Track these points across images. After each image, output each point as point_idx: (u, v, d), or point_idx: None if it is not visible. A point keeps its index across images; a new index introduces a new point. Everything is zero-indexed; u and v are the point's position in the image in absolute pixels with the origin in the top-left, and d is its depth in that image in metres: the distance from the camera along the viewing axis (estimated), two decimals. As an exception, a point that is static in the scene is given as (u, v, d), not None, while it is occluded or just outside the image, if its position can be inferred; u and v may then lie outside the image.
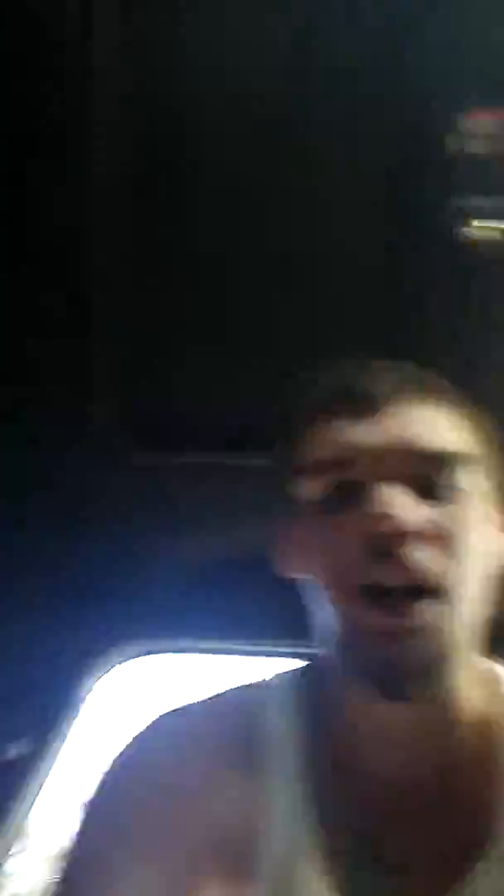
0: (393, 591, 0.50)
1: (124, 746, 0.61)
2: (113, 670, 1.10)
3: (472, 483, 0.55)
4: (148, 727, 0.62)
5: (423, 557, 0.51)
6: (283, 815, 0.56)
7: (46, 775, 0.94)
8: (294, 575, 0.61)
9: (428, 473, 0.54)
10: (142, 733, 0.62)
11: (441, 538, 0.52)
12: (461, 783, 0.57)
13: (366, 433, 0.55)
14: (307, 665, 0.66)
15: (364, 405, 0.56)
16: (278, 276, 1.04)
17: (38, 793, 0.92)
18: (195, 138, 1.02)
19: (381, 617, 0.50)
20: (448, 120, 1.02)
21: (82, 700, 1.02)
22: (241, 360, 1.06)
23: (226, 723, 0.61)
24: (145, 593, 1.12)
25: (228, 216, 1.02)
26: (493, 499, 0.58)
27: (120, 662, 1.12)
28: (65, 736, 0.98)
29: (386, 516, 0.50)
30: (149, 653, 1.15)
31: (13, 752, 0.92)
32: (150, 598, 1.13)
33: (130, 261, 1.03)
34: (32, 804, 0.91)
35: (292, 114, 1.01)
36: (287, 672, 0.66)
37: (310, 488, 0.56)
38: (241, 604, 1.12)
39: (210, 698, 0.65)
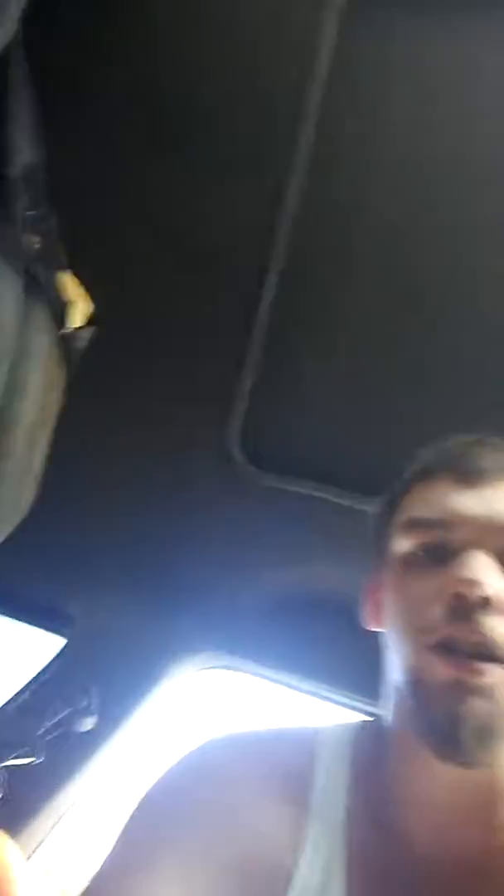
0: (464, 650, 0.53)
1: (176, 763, 0.64)
2: (185, 676, 1.14)
3: None
4: (203, 747, 0.64)
5: (498, 628, 0.53)
6: (317, 859, 0.57)
7: (106, 750, 0.99)
8: (376, 626, 0.63)
9: None
10: (196, 752, 0.64)
11: None
12: (501, 870, 0.56)
13: (467, 501, 0.58)
14: (368, 721, 0.67)
15: (471, 476, 0.59)
16: (429, 332, 1.05)
17: (94, 764, 0.97)
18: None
19: (450, 670, 0.52)
20: None
21: (153, 697, 1.07)
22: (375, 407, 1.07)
23: (281, 758, 0.63)
24: (232, 609, 1.16)
25: (382, 267, 1.05)
26: None
27: (193, 670, 1.16)
28: (130, 726, 1.03)
29: (473, 582, 0.53)
30: (223, 667, 1.19)
31: (85, 725, 0.98)
32: (236, 615, 1.16)
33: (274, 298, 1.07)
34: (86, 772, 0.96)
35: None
36: (349, 723, 0.67)
37: (404, 544, 0.59)
38: (319, 642, 1.13)
39: (270, 731, 0.67)
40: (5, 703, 1.03)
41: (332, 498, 1.06)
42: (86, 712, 0.98)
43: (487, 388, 1.05)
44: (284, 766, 0.62)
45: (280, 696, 1.21)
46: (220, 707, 1.29)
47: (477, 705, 0.51)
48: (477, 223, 1.00)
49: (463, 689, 0.52)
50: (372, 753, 0.62)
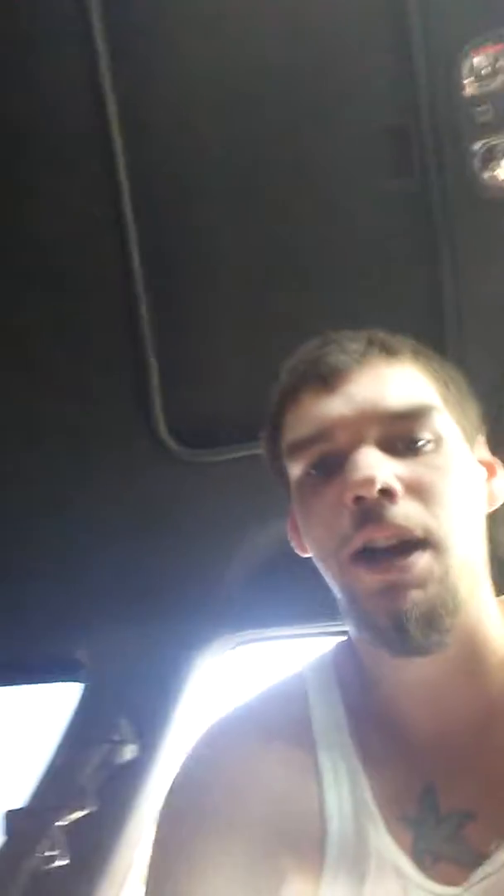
0: (384, 550, 0.53)
1: (186, 759, 0.65)
2: (207, 668, 1.14)
3: (446, 431, 0.57)
4: (206, 735, 0.66)
5: (407, 512, 0.53)
6: (342, 784, 0.58)
7: (155, 772, 0.99)
8: (304, 552, 0.63)
9: (400, 430, 0.56)
10: (201, 742, 0.66)
11: (422, 489, 0.54)
12: (498, 728, 0.57)
13: (335, 404, 0.56)
14: (340, 643, 0.68)
15: (330, 378, 0.57)
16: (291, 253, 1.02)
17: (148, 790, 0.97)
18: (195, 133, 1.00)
19: (377, 576, 0.53)
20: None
21: (183, 702, 1.06)
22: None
23: (277, 711, 0.65)
24: (229, 588, 1.15)
25: (236, 210, 1.01)
26: (470, 442, 0.60)
27: (214, 655, 1.16)
28: (172, 739, 1.02)
29: (365, 480, 0.52)
30: (241, 643, 1.18)
31: (126, 755, 0.97)
32: (235, 592, 1.15)
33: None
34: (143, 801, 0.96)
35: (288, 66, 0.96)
36: (324, 654, 0.68)
37: (295, 468, 0.59)
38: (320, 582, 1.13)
39: (261, 692, 0.68)
40: (47, 766, 1.02)
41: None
42: (124, 743, 0.98)
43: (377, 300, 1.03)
44: (282, 717, 0.63)
45: (306, 647, 1.21)
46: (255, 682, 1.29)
47: (414, 597, 0.52)
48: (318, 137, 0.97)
49: (396, 588, 0.52)
50: (353, 667, 0.63)
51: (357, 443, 0.55)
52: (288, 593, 1.11)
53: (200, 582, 1.12)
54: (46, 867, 0.85)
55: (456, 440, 0.58)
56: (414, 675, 0.57)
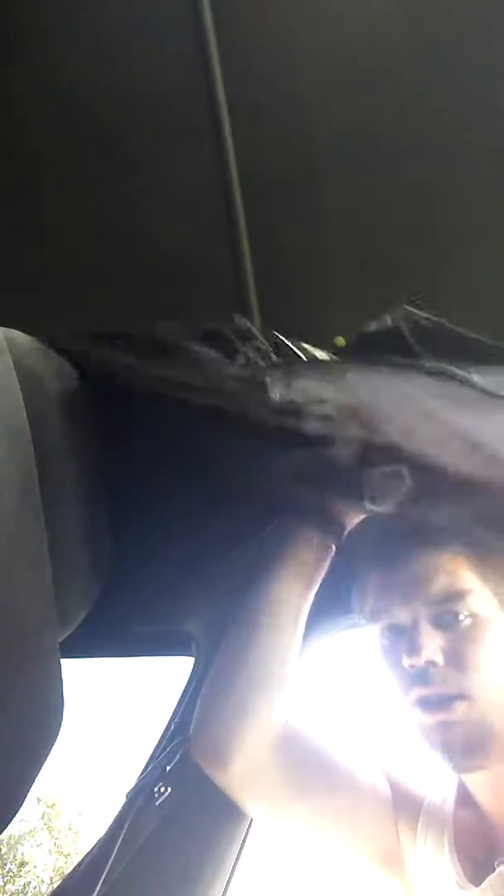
0: (433, 701, 0.75)
1: None
2: (317, 643, 1.13)
3: (481, 609, 0.77)
4: None
5: (446, 677, 0.75)
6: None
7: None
8: None
9: (441, 611, 0.78)
10: None
11: (458, 658, 0.76)
12: None
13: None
14: None
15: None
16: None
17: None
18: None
19: (429, 717, 0.76)
20: None
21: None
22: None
23: None
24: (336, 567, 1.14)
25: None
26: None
27: (323, 635, 1.15)
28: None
29: (417, 654, 0.76)
30: (350, 626, 1.17)
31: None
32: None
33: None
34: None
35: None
36: None
37: (373, 627, 0.84)
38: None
39: None
40: (163, 733, 1.06)
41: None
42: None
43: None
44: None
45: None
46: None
47: (456, 733, 0.74)
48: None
49: (444, 726, 0.75)
50: None
51: (415, 618, 0.78)
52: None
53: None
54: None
55: (492, 614, 0.78)
56: (469, 782, 0.83)
